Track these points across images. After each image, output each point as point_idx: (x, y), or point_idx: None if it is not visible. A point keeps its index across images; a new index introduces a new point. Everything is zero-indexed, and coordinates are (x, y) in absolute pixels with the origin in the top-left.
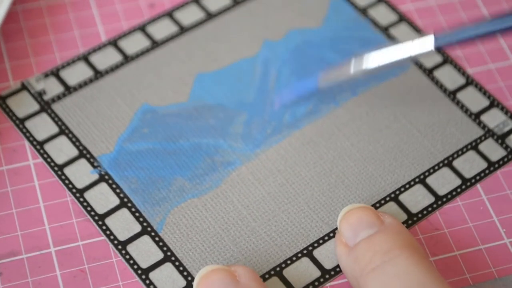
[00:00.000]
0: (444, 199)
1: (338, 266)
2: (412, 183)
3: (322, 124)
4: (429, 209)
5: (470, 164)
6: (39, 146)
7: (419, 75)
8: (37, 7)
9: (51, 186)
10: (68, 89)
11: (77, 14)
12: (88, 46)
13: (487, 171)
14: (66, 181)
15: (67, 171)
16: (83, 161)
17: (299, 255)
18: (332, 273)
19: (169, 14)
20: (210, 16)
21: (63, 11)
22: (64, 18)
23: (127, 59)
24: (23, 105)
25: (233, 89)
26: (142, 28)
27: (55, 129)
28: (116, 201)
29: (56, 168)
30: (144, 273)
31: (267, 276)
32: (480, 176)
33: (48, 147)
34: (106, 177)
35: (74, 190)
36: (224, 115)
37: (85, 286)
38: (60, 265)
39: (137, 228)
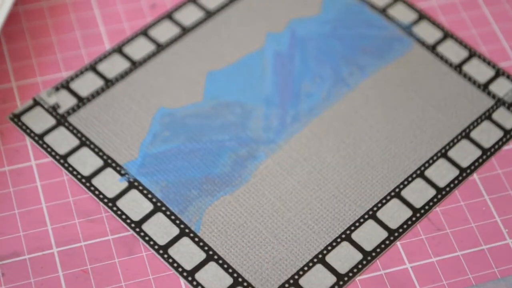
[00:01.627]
0: (468, 171)
1: (378, 246)
2: (434, 158)
3: (339, 108)
4: (456, 181)
5: (487, 134)
6: (62, 160)
7: (423, 52)
8: (39, 8)
9: (53, 186)
10: (81, 101)
11: (79, 15)
12: (89, 47)
13: (504, 139)
14: (96, 192)
15: (95, 182)
16: (109, 171)
17: (339, 240)
18: (374, 254)
19: (169, 16)
20: (209, 14)
21: (65, 12)
22: (66, 19)
23: (134, 64)
24: (39, 121)
25: (246, 84)
26: (144, 33)
27: (75, 142)
28: (149, 206)
29: (84, 180)
30: (190, 275)
31: (310, 264)
32: (498, 145)
33: (72, 160)
34: (136, 183)
35: (105, 200)
36: (242, 111)
37: (88, 287)
38: (62, 266)
39: (175, 231)
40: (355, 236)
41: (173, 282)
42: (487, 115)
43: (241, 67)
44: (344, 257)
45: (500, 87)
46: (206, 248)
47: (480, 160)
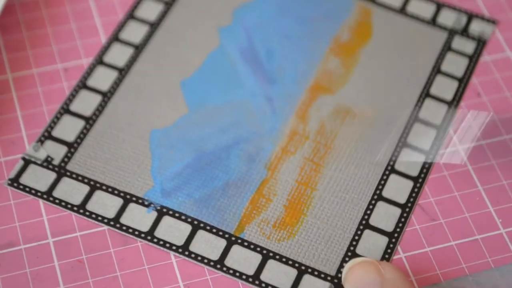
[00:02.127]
0: (455, 102)
1: (410, 196)
2: (421, 99)
3: (318, 80)
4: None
5: (455, 65)
6: (82, 210)
7: (366, 6)
8: (34, 0)
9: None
10: (71, 146)
11: (74, 6)
12: (85, 39)
13: (471, 65)
14: (130, 230)
15: (124, 220)
16: (133, 206)
17: (373, 201)
18: (409, 205)
19: (116, 38)
20: (154, 26)
21: (60, 3)
22: (61, 11)
23: (106, 95)
24: (39, 178)
25: (222, 83)
26: (100, 61)
27: (85, 188)
28: (188, 227)
29: (112, 223)
30: (255, 278)
31: (359, 232)
32: (470, 71)
33: (91, 206)
34: (164, 210)
35: (143, 235)
36: (231, 110)
37: (83, 277)
38: (58, 256)
39: (222, 242)
40: (386, 193)
41: (168, 272)
42: (448, 47)
43: (209, 68)
44: (385, 216)
45: (447, 18)
46: (258, 249)
47: (461, 90)
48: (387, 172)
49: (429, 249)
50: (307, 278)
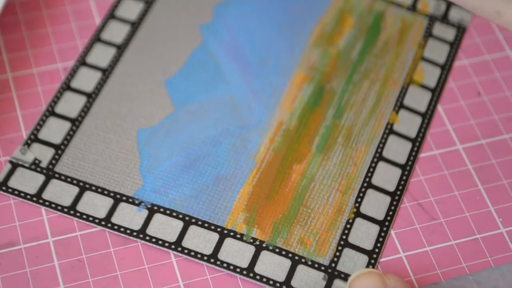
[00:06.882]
0: (437, 92)
1: (398, 184)
2: (405, 86)
3: (302, 70)
4: (433, 104)
5: (438, 51)
6: (72, 211)
7: None
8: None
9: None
10: (59, 148)
11: (74, 6)
12: (85, 38)
13: (452, 53)
14: (122, 229)
15: (116, 220)
16: (124, 205)
17: (363, 189)
18: (399, 192)
19: (98, 39)
20: (135, 25)
21: (60, 3)
22: (61, 11)
23: (91, 96)
24: (27, 181)
25: (206, 80)
26: (83, 62)
27: (75, 189)
28: (179, 224)
29: (103, 223)
30: (248, 271)
31: (350, 221)
32: (450, 61)
33: (81, 207)
34: (155, 208)
35: (135, 234)
36: (217, 105)
37: (83, 276)
38: (58, 255)
39: (215, 236)
40: (375, 181)
41: (168, 271)
42: (428, 33)
43: (193, 66)
44: (375, 204)
45: (426, 4)
46: (251, 240)
47: (443, 78)
48: (375, 160)
49: (429, 248)
50: (301, 269)
